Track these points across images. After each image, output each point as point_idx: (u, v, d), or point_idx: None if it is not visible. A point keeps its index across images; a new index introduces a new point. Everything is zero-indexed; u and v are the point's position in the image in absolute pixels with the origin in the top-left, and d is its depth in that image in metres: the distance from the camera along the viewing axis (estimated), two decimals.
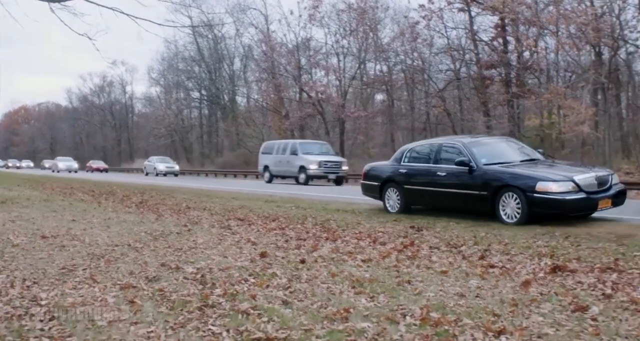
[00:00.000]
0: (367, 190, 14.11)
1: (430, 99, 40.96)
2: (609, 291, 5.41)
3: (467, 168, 11.21)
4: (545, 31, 31.11)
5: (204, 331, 4.45)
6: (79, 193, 21.23)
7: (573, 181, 10.08)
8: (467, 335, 4.26)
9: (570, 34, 29.62)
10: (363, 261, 7.24)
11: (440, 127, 43.14)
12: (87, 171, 63.51)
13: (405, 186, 12.64)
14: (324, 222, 11.34)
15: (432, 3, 33.51)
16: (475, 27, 34.21)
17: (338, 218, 11.91)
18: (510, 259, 7.27)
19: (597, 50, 32.53)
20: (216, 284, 5.94)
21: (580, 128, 27.36)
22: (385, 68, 46.17)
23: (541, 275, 6.26)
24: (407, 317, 4.72)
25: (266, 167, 32.88)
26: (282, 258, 7.52)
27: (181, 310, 5.01)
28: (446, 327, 4.41)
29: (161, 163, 49.07)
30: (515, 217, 10.34)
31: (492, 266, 6.75)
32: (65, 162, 64.02)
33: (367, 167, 14.48)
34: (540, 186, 10.03)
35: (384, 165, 13.97)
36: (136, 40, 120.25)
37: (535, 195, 10.03)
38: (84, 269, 6.79)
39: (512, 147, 12.82)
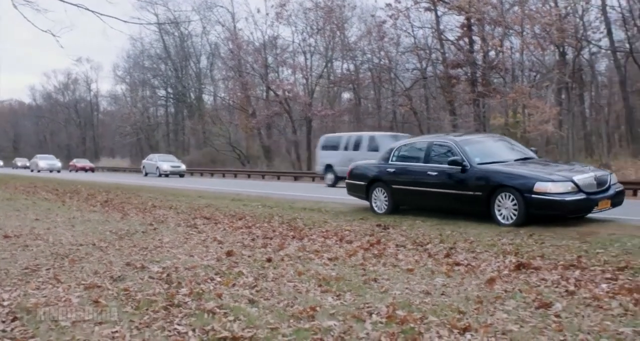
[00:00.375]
0: (352, 190, 13.56)
1: (396, 98, 41.09)
2: (572, 288, 5.50)
3: (460, 167, 10.75)
4: (511, 31, 31.39)
5: (169, 331, 4.43)
6: (43, 192, 20.97)
7: (572, 181, 9.65)
8: (432, 332, 4.29)
9: (535, 34, 29.97)
10: (330, 259, 7.26)
11: (407, 126, 43.37)
12: (70, 171, 56.32)
13: (394, 186, 12.12)
14: (290, 221, 11.34)
15: (399, 2, 33.63)
16: (441, 27, 34.38)
17: (305, 217, 11.91)
18: (476, 257, 7.34)
19: (561, 50, 33.07)
20: (182, 283, 5.92)
21: (545, 127, 27.73)
22: (352, 67, 46.32)
23: (506, 272, 6.34)
24: (374, 315, 4.74)
25: (329, 167, 25.35)
26: (249, 256, 7.51)
27: (146, 309, 4.99)
28: (412, 325, 4.44)
29: (165, 162, 41.41)
30: (512, 218, 9.89)
31: (458, 264, 6.82)
32: (47, 161, 55.61)
33: (352, 165, 13.95)
34: (538, 186, 9.58)
35: (370, 164, 13.29)
36: (101, 37, 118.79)
37: (533, 195, 9.58)
38: (47, 269, 6.73)
39: (505, 145, 12.31)
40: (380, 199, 12.48)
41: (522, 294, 5.33)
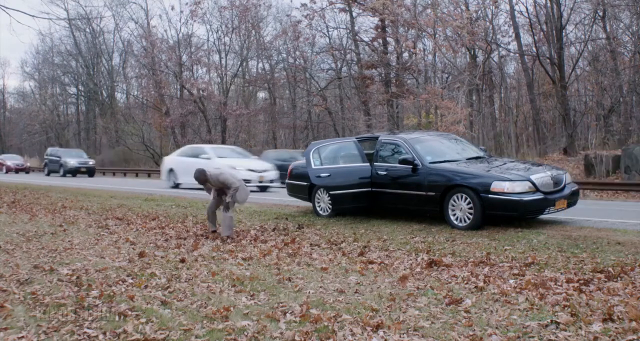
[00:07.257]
0: (293, 191, 12.75)
1: (312, 98, 41.33)
2: (481, 284, 5.64)
3: (411, 166, 10.21)
4: (424, 33, 32.01)
5: (79, 335, 4.33)
6: None
7: (530, 180, 9.26)
8: (346, 330, 4.33)
9: (447, 37, 30.59)
10: (244, 259, 7.24)
11: (322, 126, 43.65)
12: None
13: None
14: (204, 221, 11.22)
15: (314, 2, 33.72)
16: (356, 28, 34.71)
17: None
18: (389, 255, 7.44)
19: (472, 52, 33.92)
20: (92, 286, 5.79)
21: (456, 128, 28.30)
22: (267, 66, 46.28)
23: (418, 270, 6.45)
24: (288, 314, 4.75)
25: None
26: (162, 257, 7.41)
27: (55, 313, 4.87)
28: (326, 323, 4.46)
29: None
30: (467, 220, 9.43)
31: (371, 262, 6.90)
32: None
33: (293, 165, 13.13)
34: (496, 186, 9.12)
35: None
36: (7, 31, 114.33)
37: (490, 196, 9.12)
38: None
39: (455, 144, 11.76)
40: (324, 200, 11.62)
41: (434, 291, 5.43)
